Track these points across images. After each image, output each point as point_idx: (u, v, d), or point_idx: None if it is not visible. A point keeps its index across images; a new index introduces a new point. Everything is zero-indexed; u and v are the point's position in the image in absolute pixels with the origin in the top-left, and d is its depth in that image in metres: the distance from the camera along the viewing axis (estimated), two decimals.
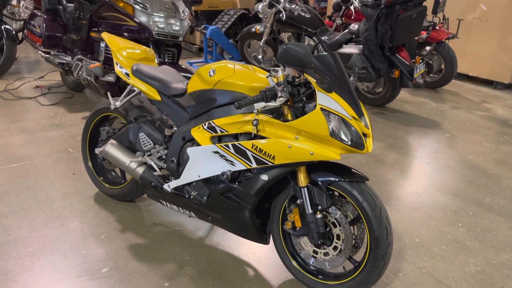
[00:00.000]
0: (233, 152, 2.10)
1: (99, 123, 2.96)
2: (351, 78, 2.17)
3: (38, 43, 4.71)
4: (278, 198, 2.23)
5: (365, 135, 1.97)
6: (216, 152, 2.16)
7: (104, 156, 2.71)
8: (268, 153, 2.00)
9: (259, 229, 2.29)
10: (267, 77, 2.08)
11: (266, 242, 2.34)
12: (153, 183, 2.53)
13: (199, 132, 2.26)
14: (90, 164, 3.02)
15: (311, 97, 2.07)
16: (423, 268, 2.44)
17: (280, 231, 2.27)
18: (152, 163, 2.54)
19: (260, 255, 2.49)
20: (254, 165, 2.06)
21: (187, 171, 2.32)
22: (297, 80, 2.07)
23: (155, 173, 2.52)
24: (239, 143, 2.08)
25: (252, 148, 2.04)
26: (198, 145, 2.25)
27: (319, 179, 2.05)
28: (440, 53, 5.57)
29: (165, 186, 2.47)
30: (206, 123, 2.24)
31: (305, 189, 2.06)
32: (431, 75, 5.83)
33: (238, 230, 2.33)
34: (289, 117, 2.01)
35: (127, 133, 2.67)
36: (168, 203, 2.56)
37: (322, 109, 1.89)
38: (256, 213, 2.23)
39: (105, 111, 2.82)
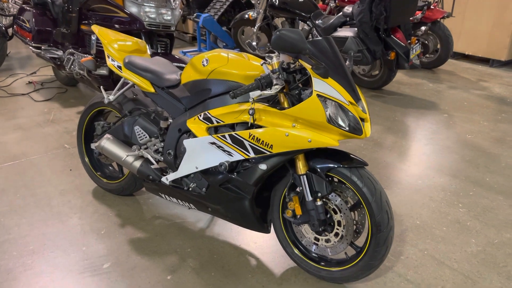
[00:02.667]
0: (230, 142, 2.08)
1: (93, 117, 2.92)
2: (347, 62, 2.14)
3: (28, 39, 4.64)
4: (278, 187, 2.22)
5: (362, 119, 1.94)
6: (213, 143, 2.14)
7: (100, 151, 2.68)
8: (266, 142, 1.98)
9: (260, 219, 2.28)
10: (262, 65, 2.04)
11: (267, 231, 2.33)
12: (150, 177, 2.51)
13: (195, 124, 2.24)
14: (86, 159, 2.99)
15: (308, 83, 2.04)
16: (424, 250, 2.44)
17: (281, 219, 2.26)
18: (149, 156, 2.52)
19: (262, 244, 2.48)
20: (252, 154, 2.03)
21: (184, 163, 2.30)
22: (292, 66, 2.04)
23: (152, 167, 2.50)
24: (236, 133, 2.05)
25: (249, 137, 2.01)
26: (195, 136, 2.23)
27: (318, 166, 2.03)
28: (436, 32, 5.52)
29: (163, 179, 2.45)
30: (202, 114, 2.21)
31: (304, 176, 2.04)
32: (427, 55, 5.79)
33: (238, 220, 2.31)
34: (286, 105, 1.98)
35: (122, 127, 2.64)
36: (167, 196, 2.54)
37: (318, 95, 1.86)
38: (256, 202, 2.22)
39: (99, 105, 2.78)
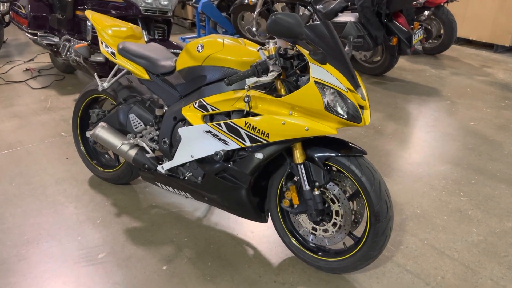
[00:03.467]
0: (226, 131, 2.03)
1: (89, 105, 2.87)
2: (346, 48, 2.07)
3: (24, 25, 4.57)
4: (275, 176, 2.17)
5: (362, 107, 1.89)
6: (209, 132, 2.09)
7: (95, 140, 2.64)
8: (262, 131, 1.93)
9: (257, 208, 2.24)
10: (258, 51, 1.98)
11: (264, 220, 2.29)
12: (146, 166, 2.47)
13: (190, 111, 2.18)
14: (82, 147, 2.95)
15: (305, 70, 1.98)
16: (425, 240, 2.40)
17: (278, 209, 2.22)
18: (144, 145, 2.47)
19: (259, 234, 2.44)
20: (248, 143, 1.99)
21: (179, 152, 2.25)
22: (289, 52, 1.98)
23: (147, 155, 2.45)
24: (231, 121, 2.00)
25: (245, 126, 1.96)
26: (190, 125, 2.18)
27: (316, 155, 1.98)
28: (439, 17, 5.41)
29: (159, 168, 2.41)
30: (197, 101, 2.16)
31: (302, 165, 1.99)
32: (430, 41, 5.69)
33: (235, 210, 2.28)
34: (282, 92, 1.93)
35: (117, 114, 2.59)
36: (163, 185, 2.50)
37: (316, 82, 1.80)
38: (253, 191, 2.18)
39: (94, 93, 2.73)
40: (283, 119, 1.87)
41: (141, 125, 2.51)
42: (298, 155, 1.99)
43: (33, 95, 4.44)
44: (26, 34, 4.58)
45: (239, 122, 1.98)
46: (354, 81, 1.89)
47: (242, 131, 1.98)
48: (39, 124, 3.80)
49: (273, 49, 1.90)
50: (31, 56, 5.62)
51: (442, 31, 5.53)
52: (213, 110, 2.09)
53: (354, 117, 1.85)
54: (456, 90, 4.68)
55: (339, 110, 1.83)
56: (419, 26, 4.70)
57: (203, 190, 2.29)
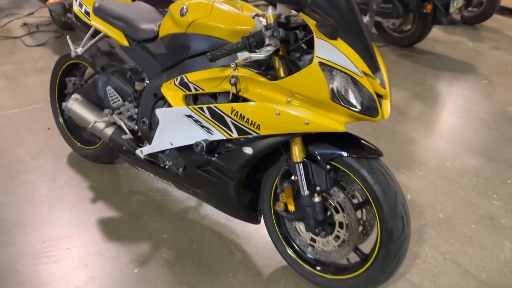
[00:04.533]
0: (209, 117, 1.65)
1: (67, 72, 2.50)
2: (366, 18, 1.62)
3: None
4: (270, 172, 1.80)
5: (380, 96, 1.48)
6: (189, 116, 1.71)
7: (67, 113, 2.29)
8: (252, 121, 1.54)
9: (248, 207, 1.88)
10: (253, 18, 1.57)
11: (256, 221, 1.94)
12: (124, 147, 2.12)
13: (170, 90, 1.80)
14: (61, 119, 2.61)
15: (313, 44, 1.56)
16: (446, 254, 2.01)
17: (272, 211, 1.86)
18: (122, 124, 2.11)
19: (251, 235, 2.10)
20: (234, 134, 1.60)
21: (158, 137, 1.89)
22: (293, 21, 1.56)
23: (125, 137, 2.09)
24: (215, 106, 1.62)
25: (231, 113, 1.58)
26: (170, 105, 1.80)
27: (318, 153, 1.59)
28: None
29: (138, 151, 2.06)
30: (178, 77, 1.77)
31: (300, 165, 1.61)
32: (470, 8, 5.06)
33: (222, 207, 1.93)
34: (281, 73, 1.52)
35: (93, 86, 2.22)
36: (144, 171, 2.16)
37: (321, 63, 1.39)
38: (245, 185, 1.81)
39: (69, 58, 2.35)
40: (277, 109, 1.48)
41: (119, 100, 2.14)
42: (297, 152, 1.60)
43: (26, 53, 4.10)
44: None
45: (224, 108, 1.59)
46: (372, 62, 1.47)
47: (228, 119, 1.60)
48: (27, 86, 3.48)
49: (272, 16, 1.49)
50: (31, 9, 5.24)
51: None
52: (196, 89, 1.70)
53: (370, 109, 1.45)
54: (495, 68, 4.12)
55: (351, 101, 1.42)
56: None
57: (185, 183, 1.94)
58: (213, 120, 1.64)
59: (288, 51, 1.56)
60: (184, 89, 1.74)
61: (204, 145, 1.67)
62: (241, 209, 1.86)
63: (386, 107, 1.52)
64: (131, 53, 2.05)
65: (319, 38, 1.40)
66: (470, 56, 4.37)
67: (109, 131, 2.14)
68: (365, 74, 1.43)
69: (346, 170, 1.57)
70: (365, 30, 1.48)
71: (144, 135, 2.05)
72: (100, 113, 2.19)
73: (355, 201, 1.65)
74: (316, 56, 1.39)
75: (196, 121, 1.69)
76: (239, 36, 1.61)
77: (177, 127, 1.78)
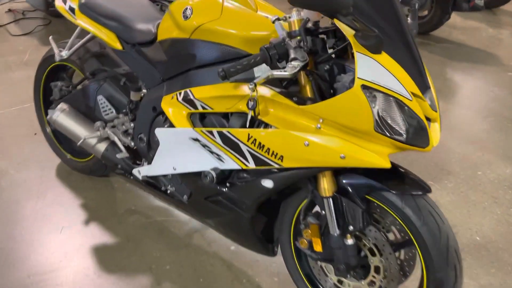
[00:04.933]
0: (220, 143, 1.37)
1: (52, 74, 2.20)
2: (409, 19, 1.34)
3: None
4: (290, 201, 1.53)
5: (428, 119, 1.21)
6: (196, 140, 1.43)
7: (53, 126, 2.01)
8: (273, 151, 1.27)
9: (262, 238, 1.62)
10: (274, 22, 1.28)
11: (272, 253, 1.68)
12: (119, 166, 1.85)
13: (172, 106, 1.52)
14: (48, 129, 2.31)
15: (345, 52, 1.29)
16: (488, 287, 1.77)
17: (292, 245, 1.60)
18: (116, 140, 1.83)
19: (266, 264, 1.85)
20: (251, 165, 1.33)
21: (158, 159, 1.62)
22: (321, 27, 1.28)
23: (119, 156, 1.82)
24: (228, 132, 1.34)
25: (248, 141, 1.30)
26: (171, 124, 1.52)
27: (352, 185, 1.32)
28: None
29: (135, 171, 1.79)
30: (182, 92, 1.48)
31: (330, 200, 1.34)
32: None
33: (232, 238, 1.69)
34: (307, 91, 1.25)
35: (82, 94, 1.94)
36: (144, 189, 1.89)
37: (364, 86, 1.11)
38: (259, 209, 1.54)
39: (54, 60, 2.05)
40: (306, 138, 1.21)
41: (112, 112, 1.86)
42: (326, 185, 1.33)
43: (11, 44, 3.78)
44: None
45: (239, 133, 1.32)
46: (422, 79, 1.20)
47: (243, 147, 1.32)
48: (11, 83, 3.17)
49: (297, 21, 1.21)
50: None
51: None
52: (203, 108, 1.42)
53: (419, 138, 1.18)
54: None
55: (397, 129, 1.15)
56: None
57: (191, 211, 1.68)
58: (225, 146, 1.37)
59: (316, 63, 1.28)
60: (189, 107, 1.46)
61: (214, 175, 1.40)
62: (256, 241, 1.60)
63: (436, 132, 1.25)
64: (125, 57, 1.76)
65: (360, 53, 1.12)
66: (491, 45, 4.06)
67: (102, 147, 1.86)
68: (414, 95, 1.16)
69: (385, 207, 1.31)
70: (412, 40, 1.20)
71: (141, 153, 1.78)
72: (91, 126, 1.91)
73: (390, 235, 1.39)
74: (358, 78, 1.11)
75: (204, 145, 1.42)
76: (255, 45, 1.33)
77: (181, 151, 1.50)
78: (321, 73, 1.27)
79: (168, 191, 1.69)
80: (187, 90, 1.46)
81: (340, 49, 1.27)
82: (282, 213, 1.57)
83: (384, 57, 1.14)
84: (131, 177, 1.82)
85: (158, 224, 2.03)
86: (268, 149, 1.27)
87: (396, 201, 1.28)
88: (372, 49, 1.13)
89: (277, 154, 1.26)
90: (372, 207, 1.36)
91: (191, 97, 1.43)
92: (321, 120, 1.20)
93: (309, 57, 1.24)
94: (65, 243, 1.92)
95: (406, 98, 1.14)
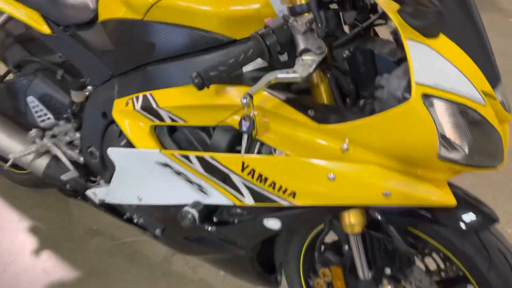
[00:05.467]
0: (202, 172, 0.97)
1: None
2: None
3: None
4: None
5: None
6: (166, 165, 1.02)
7: None
8: (281, 186, 0.88)
9: (262, 271, 1.26)
10: None
11: (275, 284, 1.33)
12: (68, 186, 1.42)
13: (127, 115, 1.09)
14: None
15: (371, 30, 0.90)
16: None
17: (302, 279, 1.24)
18: (59, 154, 1.39)
19: None
20: (249, 201, 0.95)
21: (116, 185, 1.20)
22: None
23: (67, 175, 1.38)
24: (212, 158, 0.93)
25: (243, 171, 0.90)
26: (130, 143, 1.09)
27: (388, 215, 0.96)
28: None
29: (89, 193, 1.37)
30: (140, 96, 1.05)
31: (358, 238, 0.97)
32: None
33: (227, 271, 1.32)
34: (326, 97, 0.85)
35: (8, 93, 1.46)
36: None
37: (426, 96, 0.71)
38: None
39: None
40: (330, 169, 0.82)
41: (49, 118, 1.40)
42: (353, 220, 0.96)
43: None
44: None
45: (229, 161, 0.92)
46: (493, 69, 0.83)
47: (236, 179, 0.93)
48: None
49: None
50: None
51: None
52: (172, 120, 1.00)
53: (491, 158, 0.81)
54: None
55: (465, 150, 0.77)
56: None
57: (169, 246, 1.29)
58: (208, 176, 0.96)
59: (330, 49, 0.87)
60: (152, 118, 1.03)
61: (196, 215, 1.00)
62: (254, 275, 1.25)
63: (506, 139, 0.88)
64: (57, 45, 1.29)
65: (412, 41, 0.72)
66: None
67: (42, 163, 1.42)
68: (485, 94, 0.78)
69: (436, 245, 0.96)
70: (479, 18, 0.81)
71: (94, 171, 1.35)
72: (25, 136, 1.45)
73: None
74: (417, 84, 0.71)
75: (179, 173, 1.01)
76: (240, 26, 0.92)
77: (147, 179, 1.09)
78: (342, 66, 0.87)
79: (135, 220, 1.29)
80: (147, 94, 1.03)
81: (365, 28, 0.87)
82: (286, 241, 1.20)
83: (442, 41, 0.75)
84: (85, 201, 1.40)
85: (127, 247, 1.64)
86: (274, 183, 0.88)
87: (452, 238, 0.93)
88: (428, 31, 0.73)
89: (286, 189, 0.87)
90: (416, 240, 1.01)
91: (154, 105, 1.00)
92: (347, 140, 0.81)
93: (325, 44, 0.83)
94: (7, 285, 1.51)
95: (479, 103, 0.76)
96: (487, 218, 0.93)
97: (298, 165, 0.84)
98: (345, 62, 0.88)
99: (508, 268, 0.92)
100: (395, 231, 0.96)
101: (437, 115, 0.72)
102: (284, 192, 0.88)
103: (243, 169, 0.89)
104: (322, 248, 1.10)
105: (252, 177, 0.89)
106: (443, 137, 0.74)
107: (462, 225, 0.90)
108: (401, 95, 0.74)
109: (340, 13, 0.89)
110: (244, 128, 0.80)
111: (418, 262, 1.01)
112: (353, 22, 0.90)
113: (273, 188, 0.88)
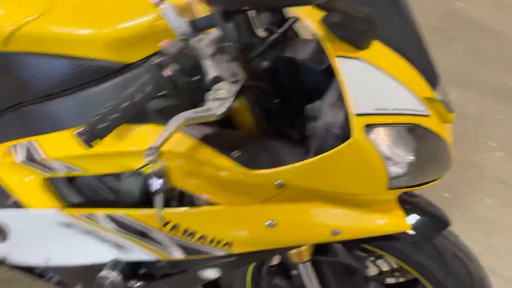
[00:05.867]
0: (115, 229, 0.80)
1: None
2: None
3: None
4: None
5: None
6: (70, 226, 0.83)
7: None
8: (213, 238, 0.74)
9: None
10: (157, 4, 0.67)
11: None
12: None
13: (9, 168, 0.87)
14: None
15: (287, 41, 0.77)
16: None
17: None
18: None
19: None
20: (179, 255, 0.80)
21: (16, 246, 0.99)
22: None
23: None
24: (125, 216, 0.76)
25: (165, 227, 0.75)
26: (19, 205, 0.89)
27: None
28: None
29: None
30: (23, 144, 0.83)
31: (308, 265, 0.87)
32: None
33: None
34: (247, 119, 0.71)
35: None
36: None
37: (368, 126, 0.59)
38: None
39: None
40: (268, 216, 0.69)
41: None
42: (301, 249, 0.85)
43: None
44: None
45: (145, 218, 0.75)
46: (431, 67, 0.74)
47: (158, 234, 0.77)
48: None
49: None
50: None
51: None
52: (69, 170, 0.81)
53: (439, 170, 0.74)
54: None
55: (415, 173, 0.69)
56: None
57: None
58: (125, 232, 0.80)
59: (245, 61, 0.73)
60: (42, 170, 0.83)
61: (117, 279, 0.83)
62: None
63: (450, 138, 0.80)
64: None
65: (342, 58, 0.59)
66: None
67: None
68: (428, 99, 0.69)
69: (391, 257, 0.88)
70: (411, 16, 0.71)
71: None
72: None
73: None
74: (357, 115, 0.58)
75: (88, 232, 0.83)
76: (133, 47, 0.73)
77: (52, 240, 0.90)
78: (262, 82, 0.73)
79: (50, 278, 1.09)
80: (30, 141, 0.82)
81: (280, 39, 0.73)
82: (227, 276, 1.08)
83: (376, 49, 0.63)
84: None
85: None
86: (204, 236, 0.73)
87: (405, 249, 0.85)
88: (359, 41, 0.61)
89: (220, 241, 0.73)
90: (371, 255, 0.93)
91: (40, 156, 0.80)
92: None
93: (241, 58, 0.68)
94: None
95: (423, 115, 0.67)
96: (438, 223, 0.86)
97: (230, 215, 0.70)
98: (266, 74, 0.74)
99: (465, 273, 0.86)
100: (346, 252, 0.87)
101: (382, 145, 0.61)
102: (218, 243, 0.74)
103: (164, 224, 0.74)
104: (269, 273, 0.99)
105: (177, 232, 0.74)
106: (391, 166, 0.63)
107: (413, 236, 0.83)
108: (339, 130, 0.61)
109: (250, 17, 0.74)
110: (156, 187, 0.63)
111: (375, 278, 0.94)
112: (267, 25, 0.76)
113: (204, 241, 0.74)
